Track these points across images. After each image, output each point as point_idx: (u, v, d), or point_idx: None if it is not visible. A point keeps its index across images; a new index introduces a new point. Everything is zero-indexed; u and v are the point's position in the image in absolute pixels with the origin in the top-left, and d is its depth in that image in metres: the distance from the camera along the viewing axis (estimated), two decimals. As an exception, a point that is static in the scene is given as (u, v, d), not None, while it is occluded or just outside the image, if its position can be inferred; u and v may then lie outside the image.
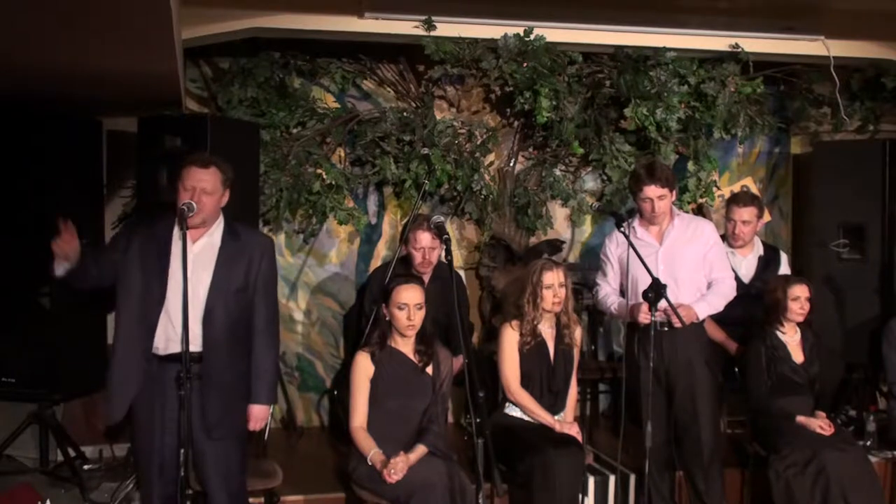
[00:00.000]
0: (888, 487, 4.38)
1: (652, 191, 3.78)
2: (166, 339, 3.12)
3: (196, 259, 3.15)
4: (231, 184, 3.25)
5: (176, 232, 3.11)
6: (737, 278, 4.09)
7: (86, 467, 4.36)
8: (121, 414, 3.16)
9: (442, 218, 3.72)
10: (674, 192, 3.88)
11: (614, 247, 3.97)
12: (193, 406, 3.12)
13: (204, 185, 3.13)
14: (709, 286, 3.93)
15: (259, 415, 3.31)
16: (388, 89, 5.33)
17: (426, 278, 4.17)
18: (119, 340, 3.17)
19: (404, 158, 4.92)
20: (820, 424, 4.01)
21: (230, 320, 3.19)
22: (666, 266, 3.83)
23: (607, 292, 4.01)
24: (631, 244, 3.67)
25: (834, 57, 4.98)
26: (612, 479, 4.23)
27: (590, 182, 5.55)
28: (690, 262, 3.87)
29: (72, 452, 4.34)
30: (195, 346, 3.13)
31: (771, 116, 5.22)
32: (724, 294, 3.91)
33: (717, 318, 4.18)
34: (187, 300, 2.96)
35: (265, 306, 3.30)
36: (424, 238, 4.17)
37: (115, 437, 4.39)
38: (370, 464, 3.41)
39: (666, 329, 3.74)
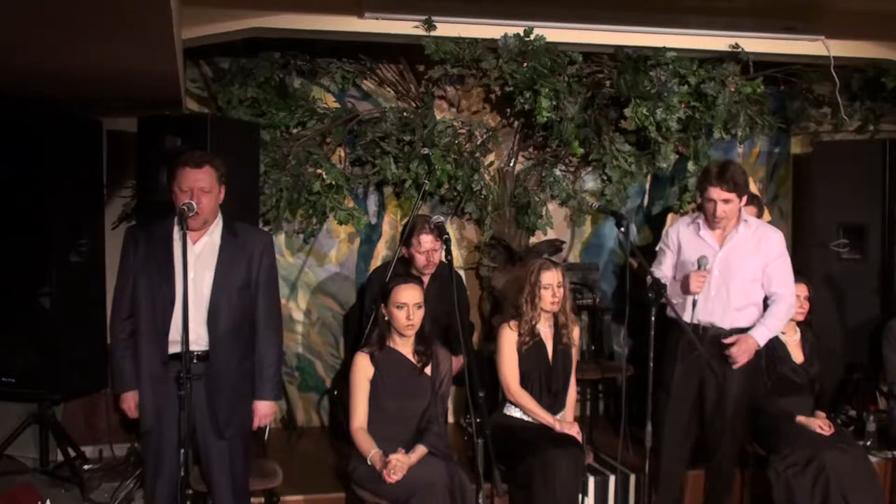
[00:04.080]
0: (888, 487, 4.38)
1: (717, 192, 3.69)
2: (171, 340, 3.14)
3: (198, 259, 3.16)
4: (225, 179, 3.25)
5: (176, 233, 3.11)
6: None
7: (86, 467, 4.37)
8: (151, 422, 3.17)
9: (442, 218, 3.73)
10: (743, 199, 3.76)
11: (675, 235, 3.92)
12: (202, 406, 3.15)
13: (201, 185, 3.13)
14: (765, 300, 3.85)
15: (264, 411, 3.32)
16: (388, 89, 5.33)
17: (426, 278, 4.18)
18: (139, 346, 3.18)
19: (404, 158, 4.92)
20: (820, 424, 4.02)
21: (234, 318, 3.21)
22: (720, 272, 3.78)
23: (660, 276, 3.88)
24: (631, 244, 3.68)
25: (834, 57, 4.98)
26: (612, 479, 4.23)
27: (590, 182, 5.55)
28: (748, 272, 3.79)
29: (72, 452, 4.35)
30: (201, 345, 3.15)
31: (771, 116, 5.21)
32: (783, 314, 3.83)
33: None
34: (187, 300, 2.96)
35: (267, 302, 3.31)
36: (427, 241, 4.18)
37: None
38: (370, 464, 3.41)
39: (709, 332, 3.74)
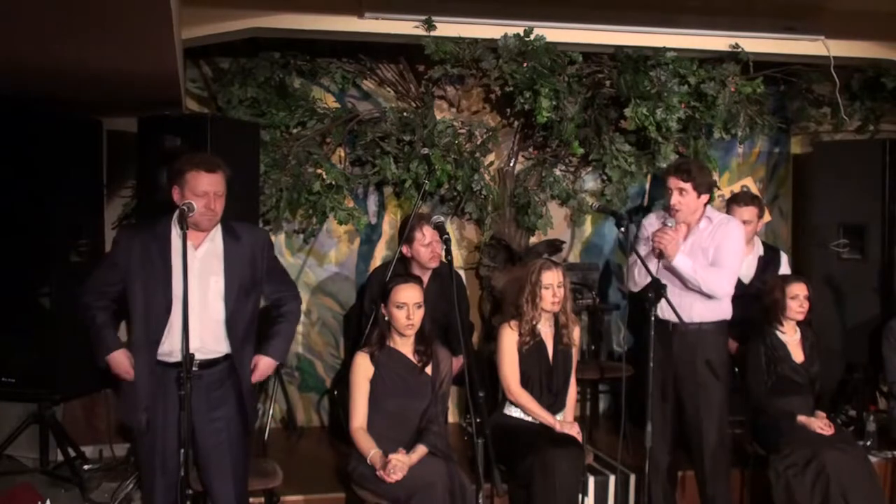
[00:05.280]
0: (888, 487, 4.39)
1: (673, 182, 3.80)
2: (168, 350, 3.12)
3: (202, 265, 3.14)
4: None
5: (176, 236, 3.08)
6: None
7: (86, 467, 4.37)
8: (146, 424, 3.15)
9: (442, 218, 3.72)
10: (702, 195, 3.81)
11: (647, 230, 3.95)
12: (202, 408, 3.14)
13: (216, 189, 3.11)
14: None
15: (266, 368, 3.31)
16: (388, 89, 5.33)
17: (426, 277, 4.17)
18: (133, 352, 3.15)
19: (404, 158, 4.92)
20: (820, 424, 4.02)
21: (248, 320, 3.22)
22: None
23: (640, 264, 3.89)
24: (631, 243, 3.70)
25: (834, 57, 4.98)
26: (612, 479, 4.23)
27: (590, 182, 5.55)
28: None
29: (72, 452, 4.35)
30: (221, 351, 3.17)
31: (771, 116, 5.22)
32: (715, 275, 3.78)
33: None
34: (187, 301, 2.94)
35: (283, 280, 3.38)
36: (430, 232, 4.16)
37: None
38: (370, 464, 3.41)
39: (678, 328, 3.75)
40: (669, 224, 3.76)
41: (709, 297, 3.81)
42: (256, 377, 3.30)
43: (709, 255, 3.83)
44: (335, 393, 5.06)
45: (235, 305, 3.17)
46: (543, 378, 3.90)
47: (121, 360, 3.15)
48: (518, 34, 4.69)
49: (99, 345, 3.16)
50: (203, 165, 3.11)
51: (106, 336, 3.16)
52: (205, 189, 3.08)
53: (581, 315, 5.11)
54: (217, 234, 3.21)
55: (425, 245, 4.20)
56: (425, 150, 4.84)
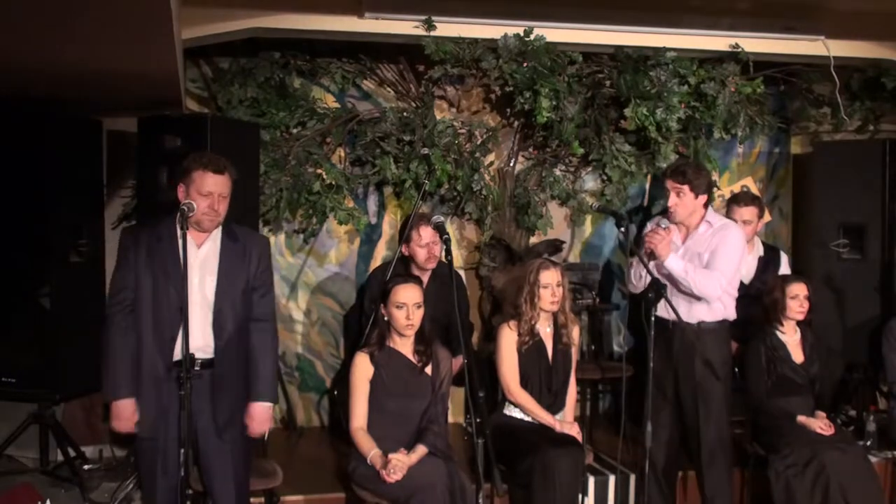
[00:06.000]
0: (888, 487, 4.39)
1: (669, 184, 3.85)
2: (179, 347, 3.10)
3: (203, 264, 3.15)
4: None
5: (181, 234, 3.08)
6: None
7: (86, 467, 4.37)
8: (154, 427, 3.11)
9: (442, 218, 3.72)
10: (699, 196, 3.83)
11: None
12: (202, 408, 3.13)
13: (221, 190, 3.11)
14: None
15: (263, 415, 3.24)
16: (388, 89, 5.33)
17: (426, 278, 4.17)
18: (141, 351, 3.11)
19: (404, 158, 4.92)
20: (820, 424, 4.02)
21: (237, 322, 3.20)
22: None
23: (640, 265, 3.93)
24: (631, 244, 3.71)
25: (834, 57, 4.97)
26: (611, 479, 4.23)
27: (590, 182, 5.55)
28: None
29: (72, 452, 4.35)
30: (208, 352, 3.13)
31: (771, 116, 5.22)
32: (706, 277, 3.77)
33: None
34: (187, 300, 2.94)
35: (265, 303, 3.29)
36: (427, 233, 4.17)
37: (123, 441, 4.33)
38: (370, 464, 3.41)
39: (678, 328, 3.76)
40: (663, 225, 3.77)
41: (699, 299, 3.81)
42: (257, 429, 3.21)
43: (703, 260, 3.83)
44: (335, 393, 5.06)
45: (225, 306, 3.15)
46: (543, 378, 3.90)
47: (124, 410, 3.06)
48: (518, 34, 4.69)
49: (110, 381, 3.08)
50: (211, 166, 3.10)
51: (118, 374, 3.07)
52: (210, 189, 3.08)
53: (581, 315, 5.11)
54: (218, 233, 3.22)
55: (422, 246, 4.21)
56: (425, 150, 4.83)
